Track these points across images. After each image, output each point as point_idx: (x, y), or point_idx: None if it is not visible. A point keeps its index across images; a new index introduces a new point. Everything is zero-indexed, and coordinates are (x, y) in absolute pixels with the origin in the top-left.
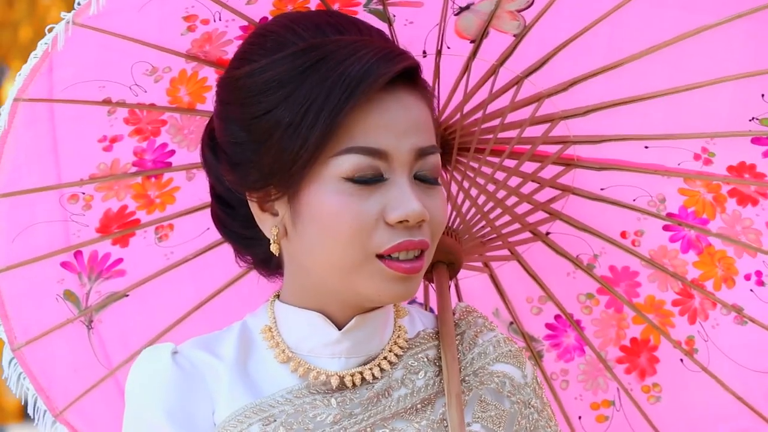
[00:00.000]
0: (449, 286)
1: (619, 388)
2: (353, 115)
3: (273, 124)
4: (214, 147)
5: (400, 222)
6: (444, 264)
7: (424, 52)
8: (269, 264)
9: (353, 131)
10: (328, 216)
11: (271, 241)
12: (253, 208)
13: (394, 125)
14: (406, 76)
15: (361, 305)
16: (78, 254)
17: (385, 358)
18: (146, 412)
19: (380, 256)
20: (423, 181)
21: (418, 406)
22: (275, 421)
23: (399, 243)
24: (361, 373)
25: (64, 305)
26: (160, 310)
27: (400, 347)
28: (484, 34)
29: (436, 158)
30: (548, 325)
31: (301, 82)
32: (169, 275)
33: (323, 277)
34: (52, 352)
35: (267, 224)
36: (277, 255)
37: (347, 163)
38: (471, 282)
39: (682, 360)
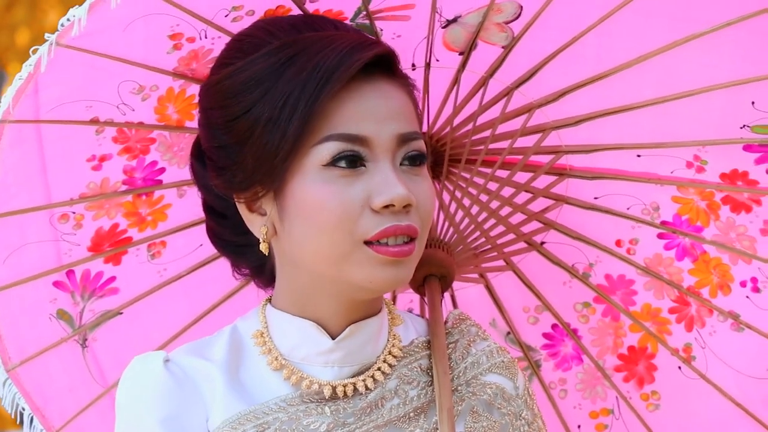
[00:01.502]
0: (441, 300)
1: (617, 396)
2: (331, 103)
3: (253, 121)
4: (200, 156)
5: (386, 207)
6: (436, 277)
7: (413, 65)
8: (264, 272)
9: (332, 119)
10: (312, 205)
11: (261, 241)
12: (242, 210)
13: (373, 112)
14: (384, 65)
15: (355, 305)
16: (70, 273)
17: (378, 368)
18: (139, 422)
19: (368, 243)
20: (409, 165)
21: (411, 414)
22: (269, 428)
23: (386, 228)
24: (354, 384)
25: (58, 324)
26: (155, 327)
27: (394, 356)
28: (472, 46)
29: (419, 144)
30: (545, 335)
31: (277, 77)
32: (162, 292)
33: (315, 270)
34: (47, 371)
35: (256, 224)
36: (266, 254)
37: (327, 151)
38: (467, 293)
39: (680, 367)
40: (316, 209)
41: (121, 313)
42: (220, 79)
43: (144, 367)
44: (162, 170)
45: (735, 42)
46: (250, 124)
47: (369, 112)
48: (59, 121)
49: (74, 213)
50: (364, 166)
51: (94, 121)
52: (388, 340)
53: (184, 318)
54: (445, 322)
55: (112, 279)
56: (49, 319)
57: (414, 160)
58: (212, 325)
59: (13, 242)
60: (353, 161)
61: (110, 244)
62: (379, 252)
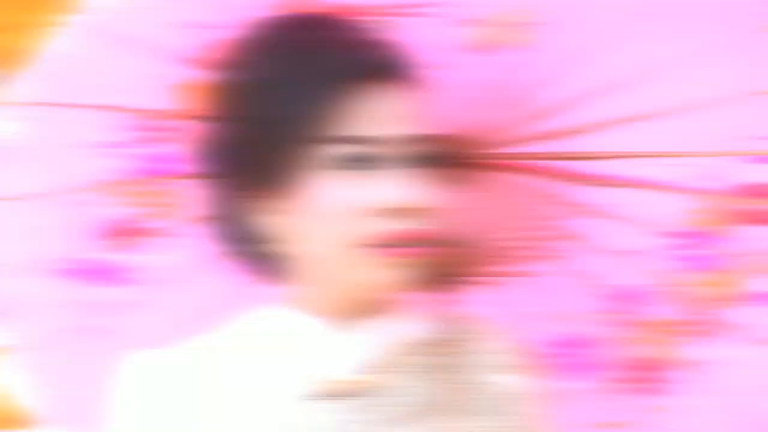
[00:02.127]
0: (450, 297)
1: (626, 408)
2: (338, 104)
3: (257, 121)
4: (203, 154)
5: (393, 210)
6: (444, 277)
7: (429, 64)
8: (266, 270)
9: (339, 121)
10: (318, 207)
11: (266, 240)
12: (246, 209)
13: (381, 113)
14: (392, 66)
15: (360, 305)
16: (81, 261)
17: (382, 365)
18: (138, 419)
19: (375, 245)
20: (417, 167)
21: (414, 412)
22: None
23: (393, 231)
24: (357, 381)
25: (63, 308)
26: (163, 318)
27: (398, 354)
28: (492, 47)
29: (427, 145)
30: (554, 343)
31: (282, 78)
32: (171, 284)
33: (320, 270)
34: (50, 355)
35: (260, 224)
36: (270, 253)
37: (334, 153)
38: (474, 298)
39: (690, 381)
40: (322, 211)
41: (129, 303)
42: (224, 78)
43: (141, 365)
44: (178, 159)
45: (758, 51)
46: (255, 124)
47: (377, 114)
48: (76, 105)
49: (87, 198)
50: (372, 168)
51: (112, 107)
52: (392, 338)
53: (191, 311)
54: (450, 321)
55: (123, 269)
56: (56, 302)
57: (422, 162)
58: (220, 317)
59: (24, 225)
60: (361, 163)
61: (123, 233)
62: (386, 254)
